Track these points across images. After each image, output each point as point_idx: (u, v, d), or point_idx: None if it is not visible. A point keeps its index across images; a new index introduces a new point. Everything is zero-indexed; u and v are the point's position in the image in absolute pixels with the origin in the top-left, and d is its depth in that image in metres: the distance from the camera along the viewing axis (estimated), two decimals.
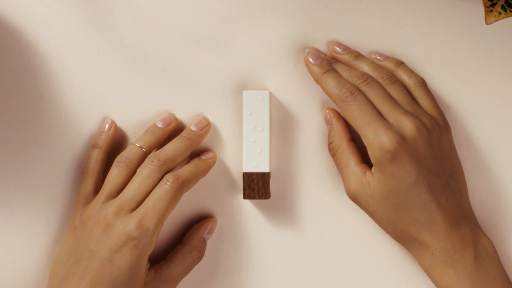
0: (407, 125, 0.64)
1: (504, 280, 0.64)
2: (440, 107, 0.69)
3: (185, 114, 0.70)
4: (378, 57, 0.69)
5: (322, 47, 0.69)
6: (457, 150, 0.69)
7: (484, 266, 0.64)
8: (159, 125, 0.68)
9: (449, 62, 0.69)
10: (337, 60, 0.69)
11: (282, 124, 0.70)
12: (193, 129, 0.68)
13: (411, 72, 0.68)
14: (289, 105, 0.70)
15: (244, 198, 0.68)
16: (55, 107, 0.70)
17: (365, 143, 0.64)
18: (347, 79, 0.67)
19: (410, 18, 0.69)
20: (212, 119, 0.70)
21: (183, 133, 0.68)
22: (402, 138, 0.63)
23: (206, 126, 0.69)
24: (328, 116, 0.68)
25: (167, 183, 0.64)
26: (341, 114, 0.68)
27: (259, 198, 0.68)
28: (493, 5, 0.62)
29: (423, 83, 0.68)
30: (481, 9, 0.69)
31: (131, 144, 0.68)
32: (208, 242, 0.70)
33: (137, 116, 0.70)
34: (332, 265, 0.70)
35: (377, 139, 0.63)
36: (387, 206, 0.64)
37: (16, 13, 0.70)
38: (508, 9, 0.61)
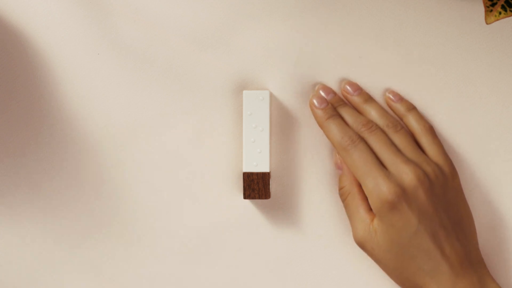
0: (408, 175, 0.64)
1: None
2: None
3: (185, 114, 0.70)
4: (392, 97, 0.69)
5: (322, 47, 0.69)
6: (456, 150, 0.69)
7: None
8: None
9: (449, 62, 0.69)
10: (347, 100, 0.69)
11: (282, 124, 0.70)
12: None
13: (420, 118, 0.68)
14: (289, 105, 0.70)
15: (244, 198, 0.68)
16: (55, 107, 0.70)
17: (365, 192, 0.65)
18: (352, 125, 0.67)
19: (410, 18, 0.69)
20: (212, 119, 0.70)
21: None
22: (401, 188, 0.63)
23: None
24: (339, 161, 0.68)
25: None
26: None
27: (259, 198, 0.68)
28: (493, 5, 0.61)
29: (430, 130, 0.68)
30: (481, 9, 0.69)
31: None
32: (208, 242, 0.70)
33: (137, 116, 0.70)
34: (332, 265, 0.70)
35: (376, 189, 0.63)
36: (392, 255, 0.64)
37: (16, 13, 0.70)
38: (508, 9, 0.61)
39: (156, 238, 0.70)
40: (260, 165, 0.68)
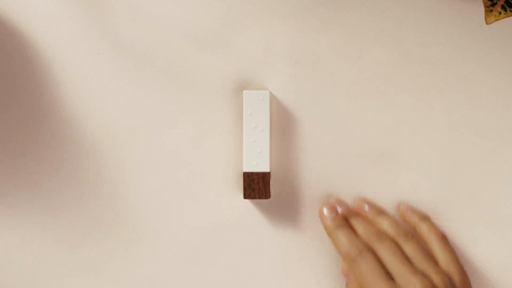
0: (415, 286, 0.63)
1: None
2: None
3: (185, 114, 0.70)
4: (405, 208, 0.69)
5: (322, 47, 0.69)
6: (454, 149, 0.69)
7: None
8: None
9: (449, 62, 0.69)
10: (359, 213, 0.69)
11: (282, 124, 0.70)
12: None
13: (433, 226, 0.68)
14: (289, 105, 0.70)
15: (244, 198, 0.68)
16: (55, 107, 0.70)
17: None
18: (362, 234, 0.67)
19: (410, 18, 0.69)
20: (212, 119, 0.70)
21: None
22: None
23: None
24: (346, 268, 0.68)
25: None
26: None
27: (259, 198, 0.67)
28: (493, 5, 0.61)
29: (443, 237, 0.67)
30: (481, 9, 0.69)
31: None
32: (208, 242, 0.70)
33: (137, 116, 0.70)
34: (332, 265, 0.70)
35: None
36: None
37: (16, 13, 0.70)
38: (508, 9, 0.61)
39: (156, 238, 0.70)
40: (260, 165, 0.68)
